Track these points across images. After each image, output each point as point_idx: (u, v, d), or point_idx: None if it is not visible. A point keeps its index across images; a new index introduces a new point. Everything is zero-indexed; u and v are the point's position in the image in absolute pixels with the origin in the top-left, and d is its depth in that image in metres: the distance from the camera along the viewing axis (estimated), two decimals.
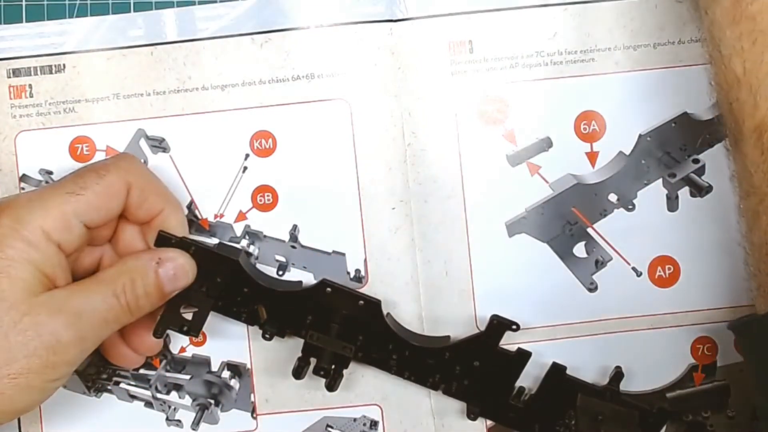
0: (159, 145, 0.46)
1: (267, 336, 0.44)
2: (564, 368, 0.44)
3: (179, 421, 0.47)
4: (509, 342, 0.44)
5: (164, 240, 0.42)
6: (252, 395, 0.47)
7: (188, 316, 0.43)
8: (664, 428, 0.45)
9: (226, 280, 0.43)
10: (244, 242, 0.46)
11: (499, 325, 0.43)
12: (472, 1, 0.46)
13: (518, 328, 0.43)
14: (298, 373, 0.43)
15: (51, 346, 0.37)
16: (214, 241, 0.46)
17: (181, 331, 0.43)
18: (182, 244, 0.42)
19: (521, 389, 0.45)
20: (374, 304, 0.43)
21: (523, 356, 0.43)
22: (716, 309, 0.46)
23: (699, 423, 0.44)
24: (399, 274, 0.46)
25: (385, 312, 0.44)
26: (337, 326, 0.43)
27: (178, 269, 0.41)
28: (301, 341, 0.44)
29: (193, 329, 0.43)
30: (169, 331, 0.45)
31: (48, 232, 0.38)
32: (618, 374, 0.44)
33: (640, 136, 0.46)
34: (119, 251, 0.43)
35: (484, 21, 0.46)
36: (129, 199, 0.41)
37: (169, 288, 0.41)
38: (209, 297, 0.43)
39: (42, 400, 0.39)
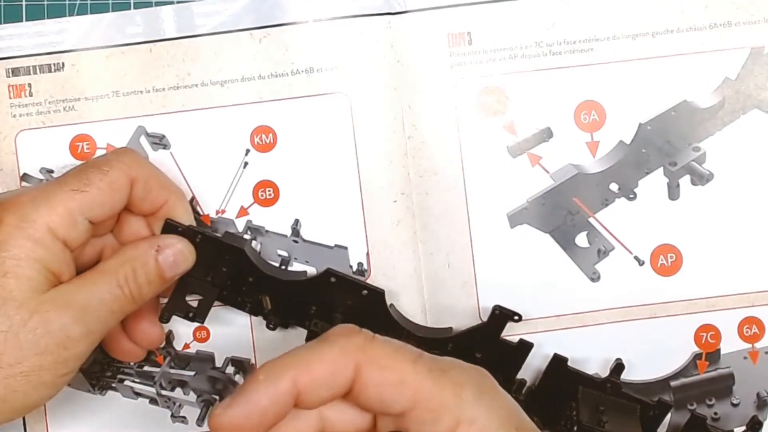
0: (159, 142, 0.46)
1: (271, 326, 0.44)
2: (565, 359, 0.44)
3: (184, 417, 0.47)
4: (511, 333, 0.44)
5: (171, 228, 0.42)
6: None
7: (193, 303, 0.44)
8: (668, 418, 0.44)
9: (231, 269, 0.43)
10: (246, 237, 0.46)
11: (502, 316, 0.43)
12: None
13: (520, 318, 0.43)
14: None
15: (61, 342, 0.37)
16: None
17: (186, 317, 0.43)
18: (188, 232, 0.42)
19: (522, 382, 0.45)
20: (378, 294, 0.43)
21: (525, 347, 0.43)
22: (719, 297, 0.46)
23: (700, 417, 0.44)
24: (401, 267, 0.46)
25: (388, 303, 0.44)
26: (340, 317, 0.43)
27: (177, 254, 0.41)
28: (305, 335, 0.44)
29: (199, 315, 0.43)
30: (172, 329, 0.45)
31: (54, 230, 0.38)
32: (618, 366, 0.44)
33: (640, 125, 0.46)
34: (123, 241, 0.43)
35: (482, 12, 0.46)
36: (133, 193, 0.41)
37: (170, 274, 0.41)
38: (214, 286, 0.43)
39: (53, 395, 0.39)
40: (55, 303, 0.38)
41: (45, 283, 0.38)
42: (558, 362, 0.44)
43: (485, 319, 0.44)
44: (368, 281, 0.46)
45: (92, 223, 0.40)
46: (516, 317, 0.43)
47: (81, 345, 0.38)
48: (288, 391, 0.31)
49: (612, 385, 0.43)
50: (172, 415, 0.47)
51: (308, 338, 0.43)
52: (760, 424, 0.45)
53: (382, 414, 0.33)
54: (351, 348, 0.32)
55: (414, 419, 0.32)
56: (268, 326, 0.44)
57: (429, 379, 0.32)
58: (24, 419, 0.46)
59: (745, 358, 0.46)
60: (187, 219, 0.43)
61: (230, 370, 0.47)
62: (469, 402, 0.32)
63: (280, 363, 0.32)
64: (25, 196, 0.39)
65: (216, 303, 0.44)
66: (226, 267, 0.43)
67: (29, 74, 0.46)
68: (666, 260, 0.46)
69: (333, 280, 0.43)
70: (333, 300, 0.43)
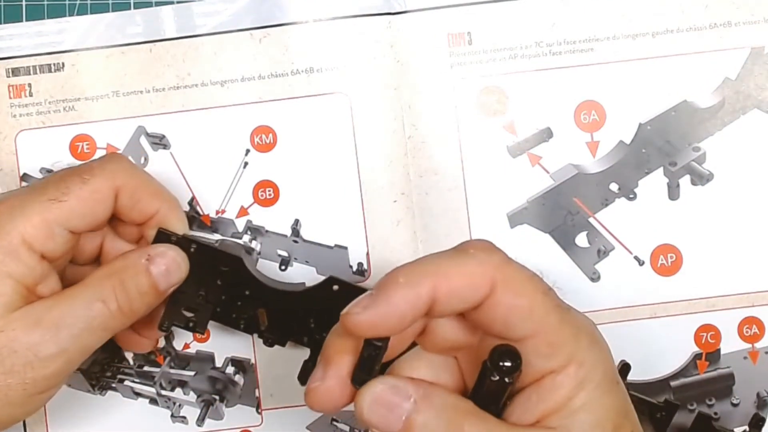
0: (159, 142, 0.46)
1: (268, 343, 0.42)
2: None
3: (184, 417, 0.47)
4: None
5: (164, 238, 0.41)
6: (257, 390, 0.47)
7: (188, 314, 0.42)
8: None
9: (227, 282, 0.42)
10: (246, 238, 0.46)
11: None
12: None
13: None
14: (305, 377, 0.42)
15: (28, 362, 0.36)
16: (216, 237, 0.46)
17: (186, 328, 0.42)
18: (182, 242, 0.41)
19: None
20: None
21: None
22: (719, 297, 0.46)
23: (706, 416, 0.43)
24: None
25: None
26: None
27: (169, 263, 0.39)
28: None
29: (199, 325, 0.42)
30: (173, 328, 0.45)
31: (29, 242, 0.37)
32: (624, 367, 0.44)
33: (640, 124, 0.46)
34: (121, 235, 0.42)
35: (482, 12, 0.46)
36: (119, 203, 0.39)
37: (164, 285, 0.39)
38: (208, 303, 0.42)
39: (30, 412, 0.38)
40: (25, 321, 0.36)
41: (18, 299, 0.36)
42: None
43: None
44: (368, 282, 0.46)
45: (74, 233, 0.38)
46: None
47: (53, 365, 0.36)
48: (427, 298, 0.31)
49: None
50: (173, 415, 0.47)
51: (312, 350, 0.42)
52: (763, 421, 0.45)
53: (497, 336, 0.32)
54: (491, 264, 0.31)
55: (530, 348, 0.31)
56: (265, 343, 0.42)
57: (555, 314, 0.32)
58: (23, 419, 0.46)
59: (745, 358, 0.46)
60: (181, 228, 0.41)
61: (230, 370, 0.47)
62: (584, 346, 0.32)
63: (421, 268, 0.31)
64: (1, 206, 0.37)
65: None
66: (221, 280, 0.42)
67: (29, 74, 0.46)
68: (666, 260, 0.46)
69: (336, 288, 0.42)
70: (333, 309, 0.42)
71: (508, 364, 0.30)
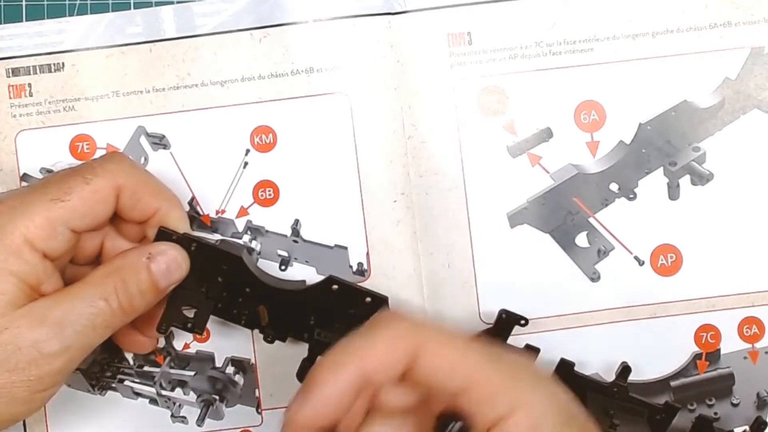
0: (159, 142, 0.46)
1: (269, 339, 0.43)
2: (572, 364, 0.43)
3: (184, 417, 0.47)
4: (513, 333, 0.44)
5: (164, 236, 0.41)
6: (257, 390, 0.47)
7: (189, 313, 0.43)
8: None
9: (228, 279, 0.42)
10: (246, 237, 0.46)
11: (508, 320, 0.43)
12: None
13: (527, 323, 0.43)
14: (304, 376, 0.43)
15: (33, 360, 0.36)
16: (216, 236, 0.46)
17: (185, 329, 0.42)
18: (183, 240, 0.41)
19: None
20: (381, 301, 0.43)
21: (531, 351, 0.43)
22: (719, 297, 0.46)
23: (707, 419, 0.44)
24: (401, 267, 0.46)
25: (391, 308, 0.43)
26: (341, 326, 0.43)
27: (170, 262, 0.40)
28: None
29: (198, 326, 0.42)
30: (172, 328, 0.45)
31: (32, 241, 0.37)
32: (625, 369, 0.43)
33: (640, 124, 0.46)
34: (117, 247, 0.42)
35: (482, 12, 0.46)
36: (120, 202, 0.40)
37: (164, 283, 0.40)
38: (209, 298, 0.42)
39: (32, 410, 0.38)
40: (28, 319, 0.36)
41: (21, 297, 0.37)
42: (564, 367, 0.43)
43: (485, 319, 0.44)
44: (368, 281, 0.46)
45: (75, 232, 0.39)
46: (522, 321, 0.43)
47: (56, 362, 0.37)
48: (357, 377, 0.32)
49: (619, 389, 0.43)
50: (173, 415, 0.47)
51: (311, 350, 0.43)
52: (765, 425, 0.45)
53: (438, 391, 0.33)
54: (406, 330, 0.33)
55: (471, 399, 0.32)
56: (265, 339, 0.43)
57: (484, 363, 0.32)
58: (24, 420, 0.46)
59: (745, 358, 0.46)
60: (182, 227, 0.42)
61: (230, 370, 0.47)
62: (526, 388, 0.32)
63: (343, 352, 0.33)
64: (3, 205, 0.38)
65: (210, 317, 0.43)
66: (222, 277, 0.42)
67: (29, 74, 0.46)
68: (666, 260, 0.46)
69: (335, 287, 0.42)
70: (333, 308, 0.42)
71: (456, 427, 0.32)
